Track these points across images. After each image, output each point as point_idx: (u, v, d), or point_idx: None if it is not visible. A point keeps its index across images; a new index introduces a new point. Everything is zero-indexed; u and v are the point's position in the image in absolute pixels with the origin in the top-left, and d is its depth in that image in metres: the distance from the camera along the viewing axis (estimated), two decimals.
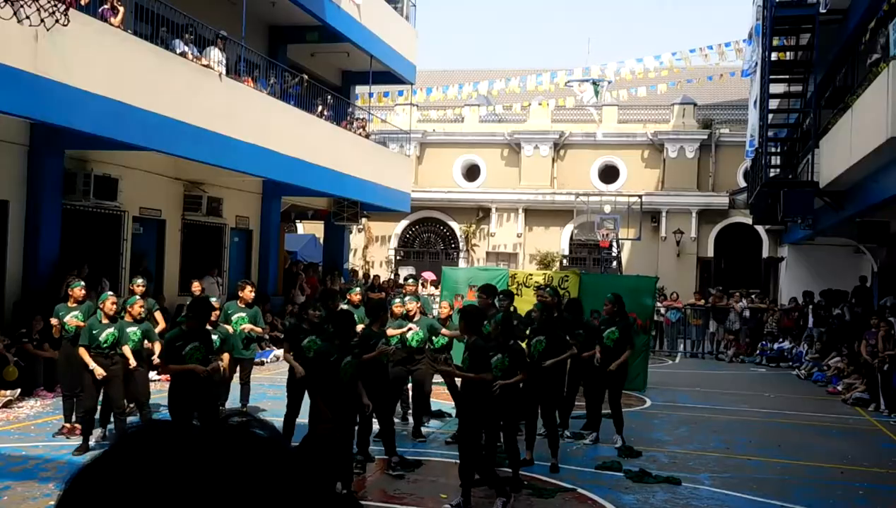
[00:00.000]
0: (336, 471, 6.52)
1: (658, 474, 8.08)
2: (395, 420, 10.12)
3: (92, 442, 8.31)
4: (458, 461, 7.04)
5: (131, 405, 8.97)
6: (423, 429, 9.65)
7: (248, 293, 10.36)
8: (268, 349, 15.92)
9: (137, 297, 9.02)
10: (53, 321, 9.36)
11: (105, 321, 8.35)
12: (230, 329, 9.69)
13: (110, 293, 8.88)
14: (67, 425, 8.95)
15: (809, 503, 7.39)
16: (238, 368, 10.17)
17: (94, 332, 8.24)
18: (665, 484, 7.79)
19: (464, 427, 6.99)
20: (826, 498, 7.62)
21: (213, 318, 8.79)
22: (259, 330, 10.46)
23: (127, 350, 8.38)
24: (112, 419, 8.61)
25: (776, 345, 19.56)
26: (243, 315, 10.17)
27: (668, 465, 8.61)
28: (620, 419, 9.41)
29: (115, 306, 8.48)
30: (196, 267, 17.01)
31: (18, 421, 9.67)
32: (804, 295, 20.68)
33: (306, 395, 8.00)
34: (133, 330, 8.64)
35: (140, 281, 9.97)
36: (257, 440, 0.74)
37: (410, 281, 11.88)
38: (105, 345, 8.24)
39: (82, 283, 9.63)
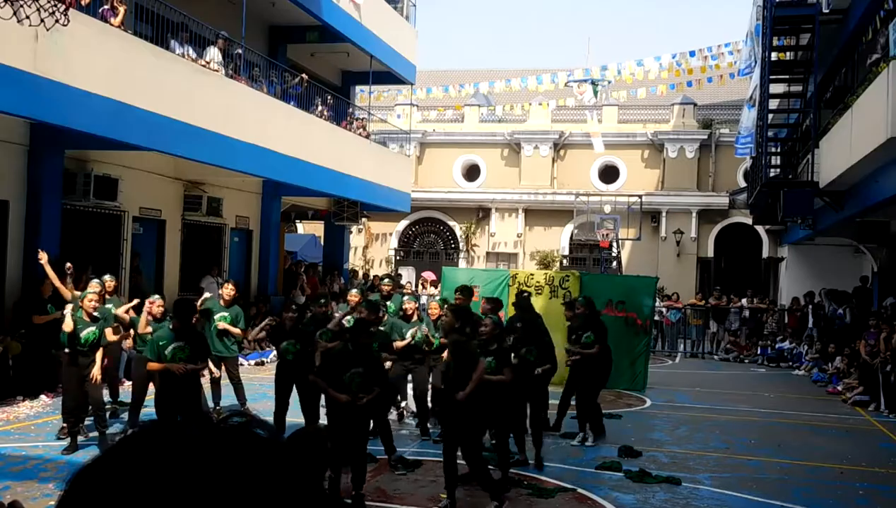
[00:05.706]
0: (322, 470, 6.50)
1: (658, 474, 8.09)
2: (392, 420, 10.14)
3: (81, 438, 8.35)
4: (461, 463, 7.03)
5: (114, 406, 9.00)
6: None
7: (229, 291, 10.28)
8: (268, 349, 15.91)
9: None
10: (68, 322, 9.17)
11: (86, 319, 8.31)
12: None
13: (91, 292, 8.68)
14: (66, 425, 8.94)
15: (809, 503, 7.39)
16: (223, 368, 10.15)
17: (76, 328, 8.21)
18: (665, 484, 7.80)
19: (445, 428, 6.98)
20: (826, 498, 7.62)
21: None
22: (237, 331, 10.19)
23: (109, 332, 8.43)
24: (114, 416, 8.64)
25: (776, 345, 19.56)
26: (225, 314, 10.11)
27: (668, 465, 8.61)
28: (592, 416, 9.45)
29: (95, 304, 8.43)
30: (196, 268, 17.01)
31: (18, 421, 9.67)
32: (806, 295, 20.66)
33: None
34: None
35: (108, 277, 9.92)
36: (257, 440, 0.75)
37: (386, 280, 11.81)
38: (85, 345, 8.22)
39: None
